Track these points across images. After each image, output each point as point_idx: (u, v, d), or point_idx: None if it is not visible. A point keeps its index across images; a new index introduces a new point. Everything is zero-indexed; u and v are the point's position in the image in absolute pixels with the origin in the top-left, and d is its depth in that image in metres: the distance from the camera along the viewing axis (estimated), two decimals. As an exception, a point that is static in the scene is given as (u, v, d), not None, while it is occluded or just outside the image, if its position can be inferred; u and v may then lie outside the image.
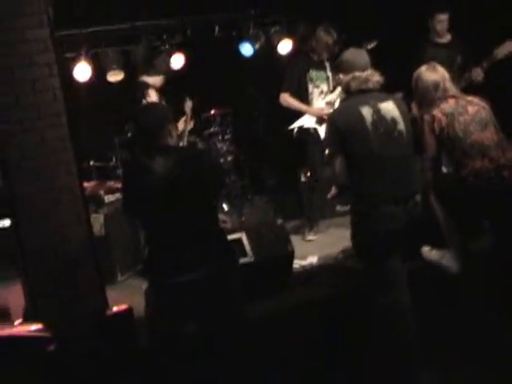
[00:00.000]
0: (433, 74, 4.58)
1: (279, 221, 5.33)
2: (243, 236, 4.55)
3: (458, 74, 5.92)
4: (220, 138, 7.64)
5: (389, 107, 4.00)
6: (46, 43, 4.38)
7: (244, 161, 7.94)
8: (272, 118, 8.09)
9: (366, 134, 3.91)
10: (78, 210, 4.53)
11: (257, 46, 7.82)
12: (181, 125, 6.61)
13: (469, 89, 5.40)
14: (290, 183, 7.34)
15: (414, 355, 4.04)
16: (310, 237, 6.39)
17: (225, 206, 6.79)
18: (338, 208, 6.91)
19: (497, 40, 5.90)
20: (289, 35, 7.58)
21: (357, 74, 4.03)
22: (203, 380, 3.61)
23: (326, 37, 6.20)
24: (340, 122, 3.97)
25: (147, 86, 6.43)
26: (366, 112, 3.94)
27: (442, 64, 4.93)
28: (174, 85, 6.96)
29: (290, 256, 4.75)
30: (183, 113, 6.76)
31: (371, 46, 6.38)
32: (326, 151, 4.19)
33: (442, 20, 6.29)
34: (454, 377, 4.15)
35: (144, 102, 6.12)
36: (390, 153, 3.93)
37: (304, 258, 5.62)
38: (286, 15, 7.75)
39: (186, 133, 6.70)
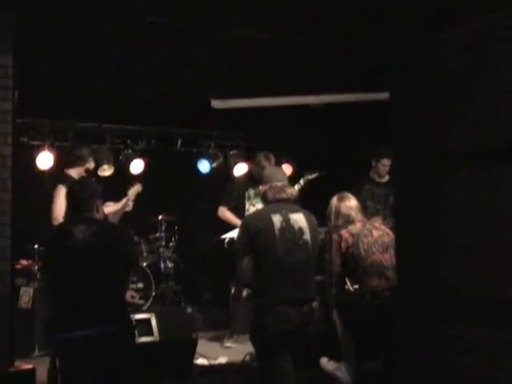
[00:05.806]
0: (343, 201, 5.12)
1: (189, 309, 5.64)
2: (152, 316, 4.88)
3: (391, 210, 6.38)
4: (164, 243, 8.03)
5: (298, 218, 4.46)
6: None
7: (183, 270, 8.26)
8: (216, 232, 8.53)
9: (273, 239, 4.31)
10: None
11: (214, 165, 8.47)
12: (119, 204, 6.73)
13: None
14: (224, 298, 7.63)
15: None
16: (228, 344, 6.60)
17: (140, 285, 7.11)
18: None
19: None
20: (245, 159, 8.11)
21: (273, 184, 4.53)
22: None
23: (264, 162, 6.66)
24: (251, 225, 4.39)
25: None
26: (276, 219, 4.37)
27: (379, 200, 5.42)
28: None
29: (193, 343, 5.04)
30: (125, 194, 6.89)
31: (312, 176, 6.88)
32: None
33: (387, 164, 6.72)
34: None
35: None
36: (293, 258, 4.32)
37: (215, 358, 5.87)
38: (245, 141, 8.46)
39: (121, 212, 6.78)
